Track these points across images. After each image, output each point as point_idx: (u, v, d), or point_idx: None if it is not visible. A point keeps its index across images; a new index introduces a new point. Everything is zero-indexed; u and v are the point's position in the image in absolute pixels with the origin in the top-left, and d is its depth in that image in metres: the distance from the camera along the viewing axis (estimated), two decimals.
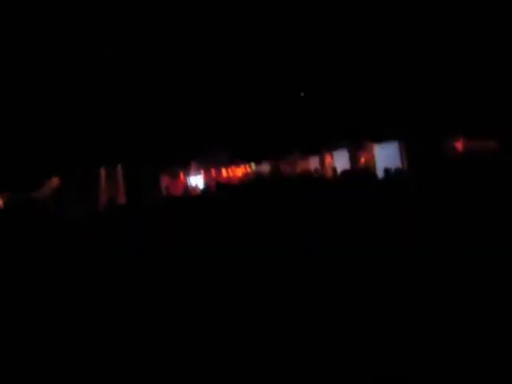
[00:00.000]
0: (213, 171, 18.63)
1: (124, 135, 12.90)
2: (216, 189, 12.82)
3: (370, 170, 13.01)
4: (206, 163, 18.07)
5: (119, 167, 14.52)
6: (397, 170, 11.26)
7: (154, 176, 16.13)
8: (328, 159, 17.74)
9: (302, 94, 14.26)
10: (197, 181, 18.41)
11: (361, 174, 8.04)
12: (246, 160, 18.56)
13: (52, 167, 12.64)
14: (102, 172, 14.50)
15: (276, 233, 5.35)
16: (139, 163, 14.36)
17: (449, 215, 4.89)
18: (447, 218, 4.81)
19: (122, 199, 13.98)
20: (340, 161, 16.97)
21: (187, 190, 17.02)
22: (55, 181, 12.65)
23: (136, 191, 14.23)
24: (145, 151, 13.81)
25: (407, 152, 14.51)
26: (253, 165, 19.25)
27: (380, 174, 12.62)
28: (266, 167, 18.80)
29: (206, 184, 17.67)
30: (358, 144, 16.19)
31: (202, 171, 18.48)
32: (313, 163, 18.08)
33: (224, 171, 18.85)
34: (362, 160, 16.02)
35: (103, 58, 9.68)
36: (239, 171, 19.04)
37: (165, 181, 16.93)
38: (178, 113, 13.45)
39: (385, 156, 15.23)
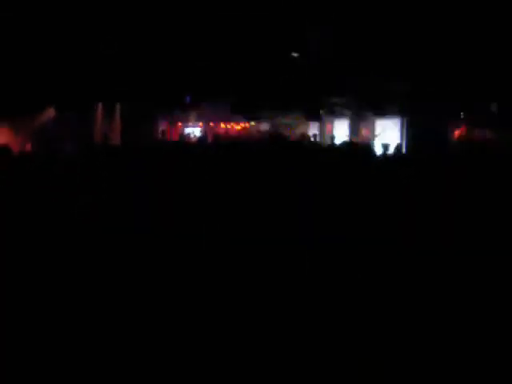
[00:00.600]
0: (211, 124, 18.40)
1: (125, 73, 12.63)
2: (213, 139, 12.64)
3: (369, 146, 12.88)
4: (205, 116, 17.83)
5: (117, 106, 14.27)
6: (397, 148, 11.18)
7: (151, 119, 15.92)
8: (328, 127, 17.61)
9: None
10: (194, 130, 18.21)
11: (360, 150, 7.81)
12: (246, 117, 18.30)
13: (49, 96, 12.40)
14: (100, 109, 14.25)
15: (270, 201, 5.26)
16: (137, 102, 14.11)
17: (446, 204, 4.85)
18: (445, 207, 4.77)
19: (117, 139, 13.79)
20: (340, 130, 16.86)
21: (182, 136, 16.86)
22: (51, 112, 12.42)
23: (132, 132, 14.05)
24: (144, 91, 13.55)
25: (408, 129, 14.45)
26: (252, 123, 19.00)
27: (379, 148, 12.56)
28: (265, 126, 18.59)
29: (203, 133, 17.48)
30: (360, 115, 16.04)
31: (201, 123, 18.26)
32: (312, 129, 17.92)
33: (222, 124, 18.63)
34: (363, 132, 15.91)
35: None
36: (238, 127, 18.83)
37: (162, 126, 16.72)
38: (182, 61, 13.16)
39: (385, 130, 15.17)
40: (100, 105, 14.01)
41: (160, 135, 16.02)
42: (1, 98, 10.92)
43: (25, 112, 12.17)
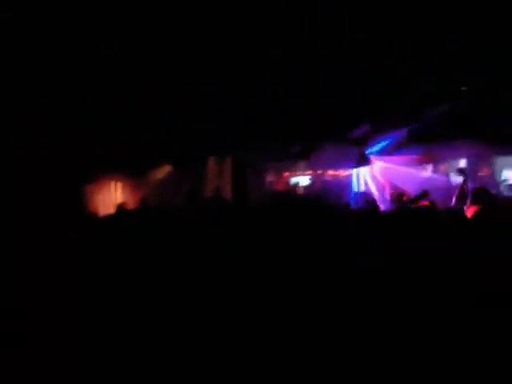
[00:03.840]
0: (319, 172, 18.14)
1: (237, 126, 13.00)
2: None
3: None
4: (315, 165, 17.57)
5: (228, 160, 14.84)
6: None
7: (260, 170, 16.29)
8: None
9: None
10: (300, 180, 18.02)
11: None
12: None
13: (167, 154, 13.28)
14: (211, 162, 14.92)
15: None
16: (247, 154, 14.46)
17: None
18: None
19: (228, 192, 14.24)
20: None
21: (289, 185, 16.87)
22: (167, 168, 13.32)
23: (242, 184, 14.49)
24: (253, 143, 13.85)
25: None
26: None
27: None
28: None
29: (312, 181, 17.32)
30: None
31: (310, 172, 18.03)
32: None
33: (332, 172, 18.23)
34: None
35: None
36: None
37: (270, 177, 16.99)
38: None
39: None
40: (212, 159, 14.69)
41: (268, 185, 16.30)
42: (126, 160, 11.99)
43: (145, 170, 13.21)
